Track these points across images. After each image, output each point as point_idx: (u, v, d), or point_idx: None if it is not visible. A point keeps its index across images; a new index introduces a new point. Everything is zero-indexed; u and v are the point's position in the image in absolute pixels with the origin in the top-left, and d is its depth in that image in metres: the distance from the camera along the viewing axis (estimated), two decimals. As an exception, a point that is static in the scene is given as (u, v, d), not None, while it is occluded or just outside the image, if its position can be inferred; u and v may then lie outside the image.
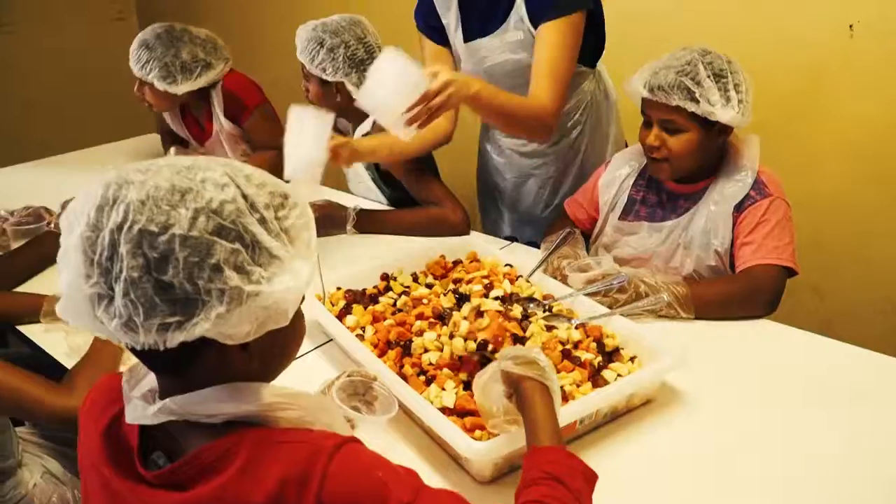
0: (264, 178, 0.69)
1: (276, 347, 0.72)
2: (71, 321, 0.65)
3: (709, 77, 1.38)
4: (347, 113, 1.91)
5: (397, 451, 1.04)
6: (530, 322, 1.19)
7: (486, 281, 1.34)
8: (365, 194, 2.00)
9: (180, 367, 0.68)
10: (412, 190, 1.81)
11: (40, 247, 1.63)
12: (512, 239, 1.77)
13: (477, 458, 0.94)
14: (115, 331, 0.63)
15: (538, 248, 1.58)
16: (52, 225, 1.68)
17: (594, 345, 1.17)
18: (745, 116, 1.39)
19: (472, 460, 0.96)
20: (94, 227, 0.63)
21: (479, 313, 1.18)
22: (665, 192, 1.52)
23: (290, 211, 0.69)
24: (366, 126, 1.85)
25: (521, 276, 1.38)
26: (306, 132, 1.43)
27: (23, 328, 1.39)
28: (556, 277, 1.39)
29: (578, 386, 1.08)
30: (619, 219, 1.55)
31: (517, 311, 1.21)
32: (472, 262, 1.46)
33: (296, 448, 0.67)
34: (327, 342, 1.30)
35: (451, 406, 1.04)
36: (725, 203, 1.43)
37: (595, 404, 1.02)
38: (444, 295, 1.30)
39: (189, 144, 2.31)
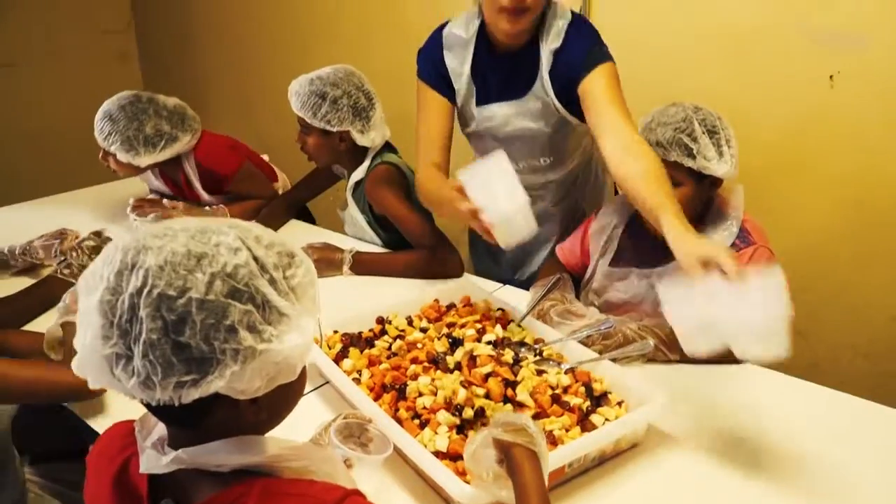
0: (272, 239, 0.73)
1: (282, 398, 0.76)
2: (89, 379, 0.69)
3: (704, 133, 1.44)
4: (344, 159, 1.99)
5: (392, 492, 1.07)
6: (521, 366, 1.24)
7: (478, 325, 1.39)
8: (360, 236, 2.04)
9: (193, 421, 0.72)
10: (405, 232, 1.86)
11: (45, 289, 1.67)
12: (503, 281, 1.81)
13: (468, 502, 0.97)
14: (132, 388, 0.67)
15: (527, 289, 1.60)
16: (73, 250, 1.76)
17: (583, 389, 1.21)
18: (735, 169, 1.46)
19: None
20: (113, 290, 0.66)
21: (473, 358, 1.23)
22: (653, 239, 1.55)
23: (296, 269, 0.73)
24: (359, 173, 1.94)
25: (511, 320, 1.42)
26: (493, 186, 1.29)
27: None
28: (542, 320, 1.44)
29: (567, 430, 1.11)
30: (608, 265, 1.59)
31: (509, 355, 1.26)
32: (465, 305, 1.50)
33: (301, 501, 0.71)
34: (324, 384, 1.33)
35: (444, 450, 1.07)
36: None
37: (583, 448, 1.06)
38: (438, 339, 1.35)
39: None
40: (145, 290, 0.65)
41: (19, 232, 1.87)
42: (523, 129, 1.67)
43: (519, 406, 1.17)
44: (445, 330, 1.39)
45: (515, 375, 1.22)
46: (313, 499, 0.72)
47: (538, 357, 1.30)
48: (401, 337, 1.37)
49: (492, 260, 1.98)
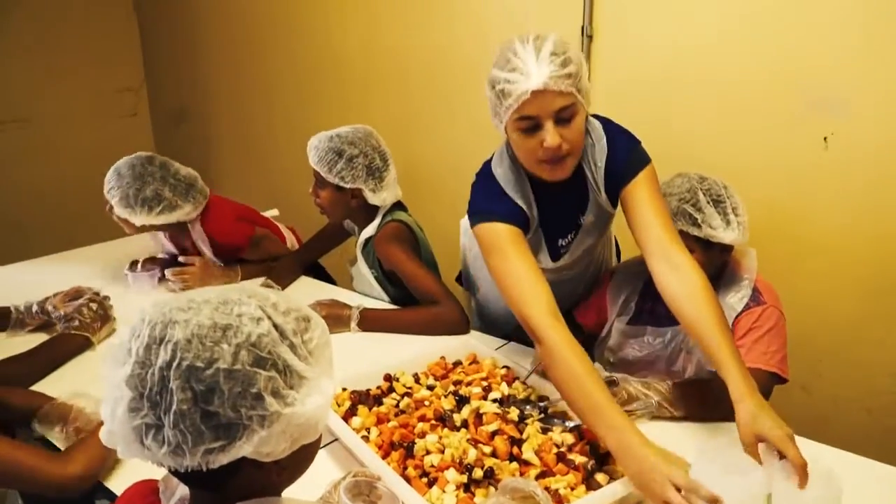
0: (288, 305, 0.77)
1: (302, 457, 0.79)
2: (119, 449, 0.72)
3: (709, 203, 1.50)
4: (355, 215, 2.06)
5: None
6: (527, 424, 1.27)
7: (484, 383, 1.42)
8: (368, 292, 2.09)
9: (217, 484, 0.74)
10: (413, 289, 1.91)
11: (56, 347, 1.72)
12: (507, 337, 1.85)
13: None
14: (162, 457, 0.69)
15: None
16: (82, 306, 1.82)
17: (587, 447, 1.23)
18: (743, 236, 1.51)
19: None
20: (143, 364, 0.69)
21: (479, 415, 1.26)
22: None
23: (312, 332, 0.77)
24: (370, 230, 2.00)
25: (517, 378, 1.46)
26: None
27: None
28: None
29: (573, 489, 1.13)
30: (626, 324, 1.65)
31: (514, 413, 1.30)
32: (471, 363, 1.54)
33: None
34: (333, 441, 1.36)
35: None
36: (729, 316, 1.50)
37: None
38: (445, 397, 1.38)
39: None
40: (174, 363, 0.68)
41: (32, 288, 1.93)
42: (584, 249, 1.68)
43: (524, 464, 1.19)
44: (452, 388, 1.42)
45: (521, 433, 1.25)
46: None
47: (543, 415, 1.34)
48: (408, 394, 1.40)
49: (494, 317, 1.99)
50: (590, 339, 1.73)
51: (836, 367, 2.14)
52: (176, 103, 4.12)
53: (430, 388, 1.43)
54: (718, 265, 1.56)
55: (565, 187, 1.48)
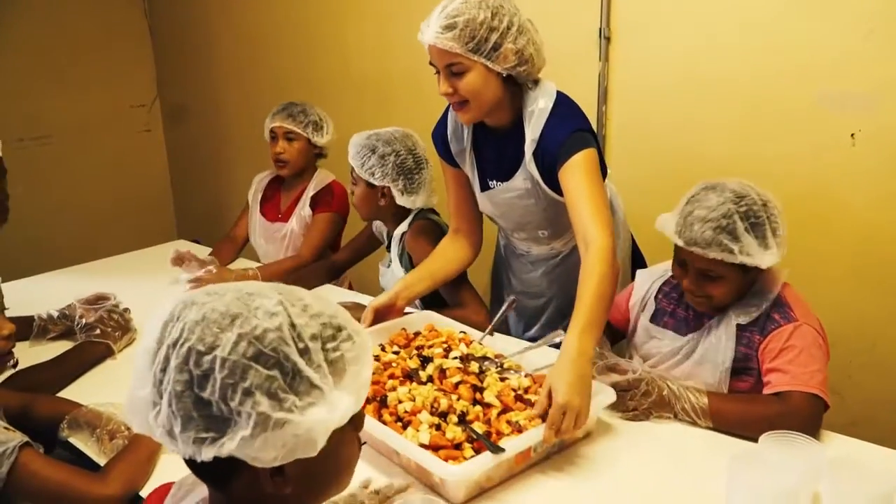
0: (321, 309, 0.78)
1: (313, 476, 0.79)
2: (130, 421, 0.77)
3: (746, 230, 1.48)
4: (386, 217, 2.27)
5: (380, 483, 1.32)
6: (486, 375, 1.55)
7: (445, 345, 1.69)
8: (387, 286, 2.28)
9: (220, 481, 0.78)
10: (440, 288, 2.08)
11: (80, 354, 1.85)
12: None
13: (452, 479, 1.26)
14: (160, 436, 0.74)
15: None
16: (105, 314, 1.96)
17: (541, 390, 1.49)
18: (781, 256, 1.52)
19: (448, 482, 1.28)
20: (158, 340, 0.74)
21: (443, 371, 1.54)
22: (693, 309, 1.70)
23: (340, 343, 0.76)
24: (402, 227, 2.21)
25: (473, 340, 1.74)
26: None
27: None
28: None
29: (531, 421, 1.42)
30: (649, 321, 1.75)
31: (475, 367, 1.57)
32: (430, 331, 1.81)
33: None
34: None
35: (427, 443, 1.35)
36: (731, 325, 1.57)
37: (550, 420, 1.35)
38: (410, 359, 1.65)
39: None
40: (179, 343, 0.72)
41: (53, 299, 2.09)
42: (515, 206, 1.90)
43: (487, 406, 1.47)
44: (415, 352, 1.70)
45: (482, 382, 1.52)
46: None
47: (499, 368, 1.60)
48: (376, 358, 1.66)
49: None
50: (618, 336, 1.87)
51: (867, 368, 2.26)
52: (188, 119, 4.50)
53: (396, 353, 1.70)
54: (749, 283, 1.60)
55: (502, 141, 1.83)
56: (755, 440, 1.37)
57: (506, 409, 1.46)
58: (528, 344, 1.61)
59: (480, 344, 1.73)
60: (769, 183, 1.65)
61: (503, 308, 1.83)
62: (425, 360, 1.63)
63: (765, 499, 1.15)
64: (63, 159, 4.13)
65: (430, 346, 1.70)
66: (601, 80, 2.57)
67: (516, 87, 1.77)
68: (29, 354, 1.80)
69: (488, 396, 1.48)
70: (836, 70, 2.11)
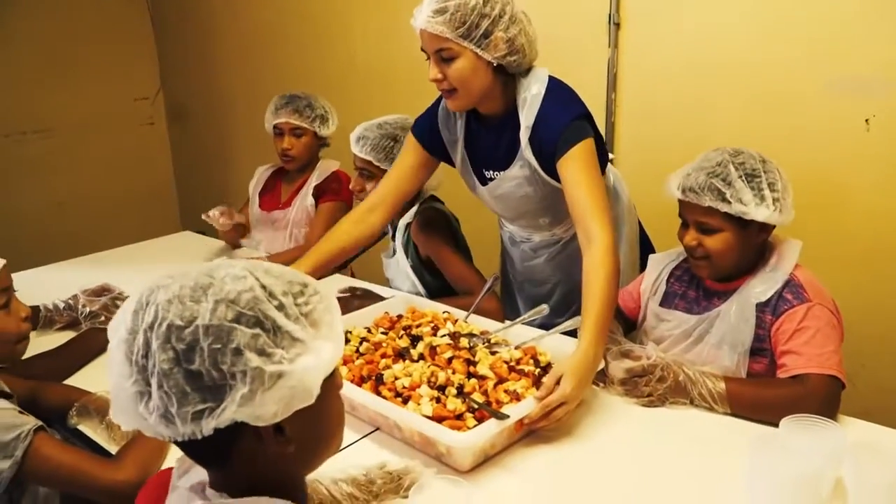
0: (283, 271, 0.82)
1: (311, 432, 0.82)
2: (119, 420, 0.77)
3: (740, 178, 1.51)
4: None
5: (382, 459, 1.34)
6: (476, 350, 1.64)
7: (431, 325, 1.76)
8: (402, 284, 2.29)
9: (220, 457, 0.79)
10: (448, 275, 2.12)
11: (87, 341, 1.87)
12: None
13: (459, 446, 1.32)
14: (155, 424, 0.74)
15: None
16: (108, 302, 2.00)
17: (531, 361, 1.61)
18: (783, 214, 1.53)
19: (455, 450, 1.33)
20: (131, 330, 0.75)
21: (433, 349, 1.61)
22: (703, 289, 1.72)
23: (310, 297, 0.80)
24: (408, 217, 2.19)
25: (458, 319, 1.83)
26: None
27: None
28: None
29: (527, 389, 1.50)
30: (658, 304, 1.76)
31: (465, 342, 1.64)
32: (413, 313, 1.87)
33: None
34: (374, 431, 1.54)
35: (430, 415, 1.41)
36: (749, 304, 1.57)
37: (547, 400, 1.42)
38: (400, 338, 1.72)
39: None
40: (156, 324, 0.73)
41: (56, 291, 2.13)
42: (514, 195, 1.91)
43: (482, 378, 1.54)
44: (403, 331, 1.76)
45: (474, 357, 1.59)
46: None
47: (487, 343, 1.69)
48: (366, 340, 1.72)
49: (512, 302, 2.25)
50: (631, 326, 1.87)
51: (880, 356, 2.27)
52: (192, 111, 4.55)
53: (384, 334, 1.76)
54: (757, 248, 1.60)
55: (497, 130, 1.83)
56: (772, 424, 1.39)
57: (501, 380, 1.54)
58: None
59: (465, 322, 1.82)
60: (783, 168, 1.66)
61: (487, 286, 1.92)
62: (415, 339, 1.69)
63: (787, 483, 1.15)
64: (67, 152, 4.20)
65: (417, 326, 1.76)
66: (610, 67, 2.59)
67: (508, 76, 1.78)
68: (35, 344, 1.80)
69: (482, 369, 1.56)
70: (850, 54, 2.12)
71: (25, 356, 1.60)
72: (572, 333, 1.66)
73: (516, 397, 1.47)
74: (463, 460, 1.34)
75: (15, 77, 3.96)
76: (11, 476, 1.23)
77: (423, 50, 1.73)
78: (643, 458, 1.42)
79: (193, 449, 0.77)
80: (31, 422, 1.28)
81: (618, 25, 2.54)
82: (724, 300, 1.62)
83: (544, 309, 1.76)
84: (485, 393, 1.49)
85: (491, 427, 1.35)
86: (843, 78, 2.13)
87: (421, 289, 2.21)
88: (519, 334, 1.74)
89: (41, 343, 1.87)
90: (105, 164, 4.33)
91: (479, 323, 1.83)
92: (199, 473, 0.83)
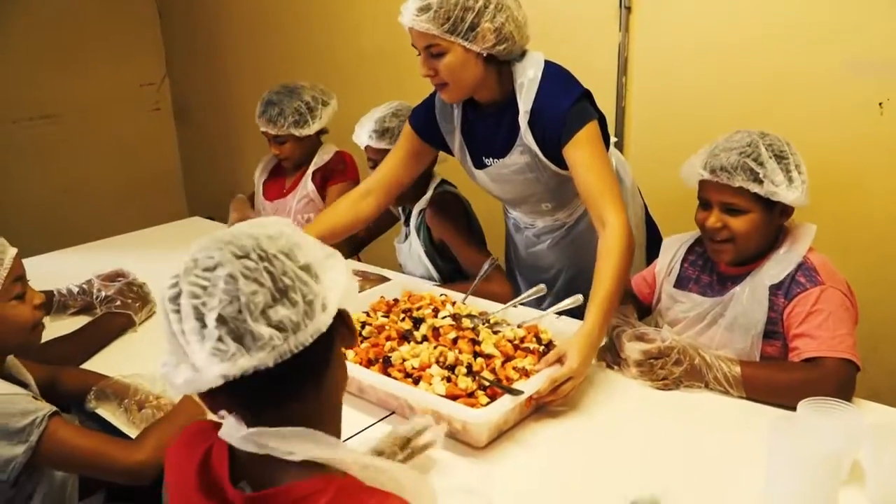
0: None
1: (334, 391, 0.91)
2: (209, 369, 0.78)
3: (771, 158, 1.52)
4: (413, 190, 2.20)
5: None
6: (478, 330, 1.66)
7: (431, 307, 1.78)
8: (415, 268, 2.31)
9: (301, 389, 0.85)
10: (461, 259, 2.15)
11: (102, 325, 1.89)
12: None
13: (476, 422, 1.36)
14: (231, 361, 0.77)
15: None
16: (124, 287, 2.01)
17: (534, 339, 1.66)
18: (805, 197, 1.54)
19: (471, 426, 1.37)
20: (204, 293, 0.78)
21: (435, 330, 1.63)
22: (717, 273, 1.73)
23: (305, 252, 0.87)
24: (422, 202, 2.20)
25: (456, 301, 1.87)
26: None
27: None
28: (612, 350, 1.64)
29: (533, 366, 1.54)
30: (672, 286, 1.77)
31: (467, 323, 1.67)
32: (409, 297, 1.89)
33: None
34: (390, 414, 1.56)
35: (443, 394, 1.44)
36: (762, 286, 1.58)
37: (549, 374, 1.48)
38: (402, 321, 1.73)
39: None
40: (258, 261, 0.80)
41: (68, 275, 2.14)
42: (514, 181, 1.90)
43: (487, 357, 1.57)
44: (403, 314, 1.77)
45: (478, 337, 1.62)
46: None
47: (487, 323, 1.73)
48: (368, 324, 1.73)
49: (515, 288, 2.23)
50: (645, 311, 1.88)
51: (893, 339, 2.26)
52: (198, 97, 4.55)
53: (385, 317, 1.78)
54: (776, 230, 1.60)
55: (496, 117, 1.82)
56: (787, 408, 1.40)
57: (507, 359, 1.58)
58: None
59: (464, 304, 1.86)
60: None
61: (484, 269, 1.95)
62: (417, 322, 1.71)
63: (807, 464, 1.14)
64: (73, 138, 4.21)
65: (417, 309, 1.79)
66: (621, 51, 2.58)
67: (502, 63, 1.78)
68: (49, 329, 1.82)
69: (487, 348, 1.60)
70: (864, 38, 2.11)
71: (42, 341, 1.59)
72: (572, 314, 1.70)
73: (525, 374, 1.52)
74: (479, 436, 1.38)
75: (22, 63, 3.97)
76: (26, 461, 1.24)
77: (413, 45, 1.75)
78: (658, 438, 1.43)
79: (276, 383, 0.80)
80: (45, 407, 1.29)
81: (629, 9, 2.53)
82: (737, 284, 1.62)
83: (542, 289, 1.80)
84: (493, 371, 1.53)
85: (505, 403, 1.39)
86: (857, 62, 2.12)
87: (434, 273, 2.23)
88: (517, 315, 1.78)
89: (55, 328, 1.87)
90: (111, 150, 4.34)
91: (477, 304, 1.86)
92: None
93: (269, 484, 0.83)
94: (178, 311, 0.79)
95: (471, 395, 1.45)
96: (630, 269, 1.68)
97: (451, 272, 2.21)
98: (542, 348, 1.62)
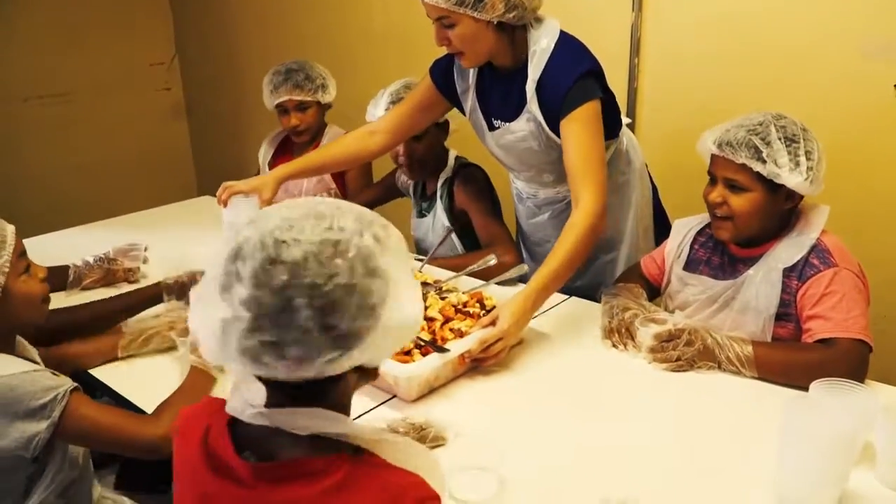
0: (372, 216, 0.84)
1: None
2: (233, 368, 0.79)
3: (779, 139, 1.51)
4: (433, 162, 2.25)
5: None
6: (427, 296, 1.76)
7: None
8: (435, 242, 2.26)
9: (318, 394, 0.83)
10: (479, 230, 2.18)
11: (111, 303, 1.81)
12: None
13: (405, 376, 1.44)
14: (281, 370, 0.77)
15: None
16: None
17: (477, 304, 1.77)
18: (813, 184, 1.53)
19: (402, 380, 1.45)
20: (259, 285, 0.75)
21: None
22: (728, 255, 1.73)
23: (391, 237, 0.84)
24: (447, 172, 2.23)
25: (413, 269, 1.99)
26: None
27: (108, 380, 1.60)
28: (620, 332, 1.64)
29: (471, 328, 1.64)
30: (682, 269, 1.77)
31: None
32: None
33: (385, 483, 0.81)
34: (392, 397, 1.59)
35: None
36: (776, 268, 1.57)
37: (480, 335, 1.60)
38: None
39: None
40: (294, 282, 0.75)
41: (80, 253, 2.12)
42: (518, 148, 1.93)
43: (430, 320, 1.66)
44: None
45: (425, 302, 1.70)
46: (397, 486, 0.80)
47: (438, 291, 1.83)
48: None
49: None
50: (655, 292, 1.87)
51: None
52: (207, 77, 4.53)
53: None
54: (781, 216, 1.59)
55: (507, 81, 1.85)
56: (800, 388, 1.41)
57: (447, 321, 1.69)
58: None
59: (420, 272, 2.00)
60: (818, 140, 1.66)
61: (442, 238, 2.08)
62: None
63: (820, 443, 1.14)
64: (83, 117, 4.23)
65: None
66: (634, 32, 2.56)
67: (518, 28, 1.79)
68: (65, 304, 1.81)
69: (431, 312, 1.70)
70: (880, 19, 2.08)
71: None
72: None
73: (460, 334, 1.62)
74: (409, 390, 1.49)
75: (31, 40, 3.97)
76: (49, 437, 1.23)
77: (428, 16, 1.77)
78: (670, 418, 1.43)
79: (293, 387, 0.79)
80: (66, 382, 1.28)
81: (644, -6, 2.63)
82: (749, 266, 1.62)
83: (524, 268, 1.90)
84: (433, 332, 1.63)
85: (433, 360, 1.50)
86: (872, 43, 2.10)
87: (459, 246, 2.25)
88: (469, 283, 1.91)
89: (71, 302, 1.79)
90: (121, 129, 4.34)
91: (432, 273, 2.01)
92: (257, 394, 0.86)
93: (276, 458, 0.83)
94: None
95: (407, 353, 1.54)
96: (588, 251, 1.73)
97: (465, 247, 2.22)
98: (482, 312, 1.71)
